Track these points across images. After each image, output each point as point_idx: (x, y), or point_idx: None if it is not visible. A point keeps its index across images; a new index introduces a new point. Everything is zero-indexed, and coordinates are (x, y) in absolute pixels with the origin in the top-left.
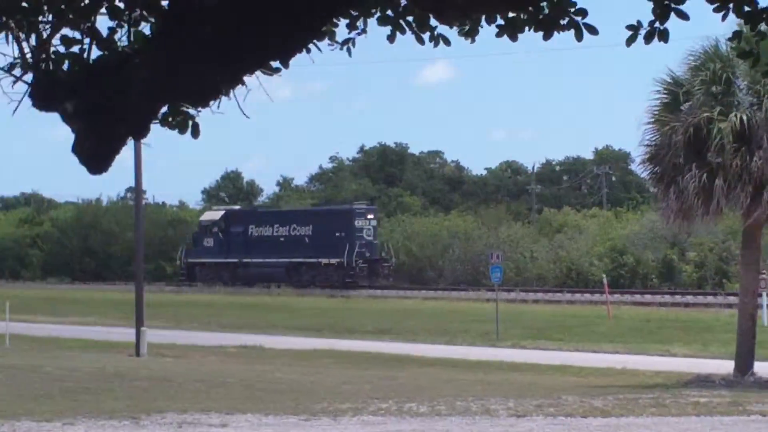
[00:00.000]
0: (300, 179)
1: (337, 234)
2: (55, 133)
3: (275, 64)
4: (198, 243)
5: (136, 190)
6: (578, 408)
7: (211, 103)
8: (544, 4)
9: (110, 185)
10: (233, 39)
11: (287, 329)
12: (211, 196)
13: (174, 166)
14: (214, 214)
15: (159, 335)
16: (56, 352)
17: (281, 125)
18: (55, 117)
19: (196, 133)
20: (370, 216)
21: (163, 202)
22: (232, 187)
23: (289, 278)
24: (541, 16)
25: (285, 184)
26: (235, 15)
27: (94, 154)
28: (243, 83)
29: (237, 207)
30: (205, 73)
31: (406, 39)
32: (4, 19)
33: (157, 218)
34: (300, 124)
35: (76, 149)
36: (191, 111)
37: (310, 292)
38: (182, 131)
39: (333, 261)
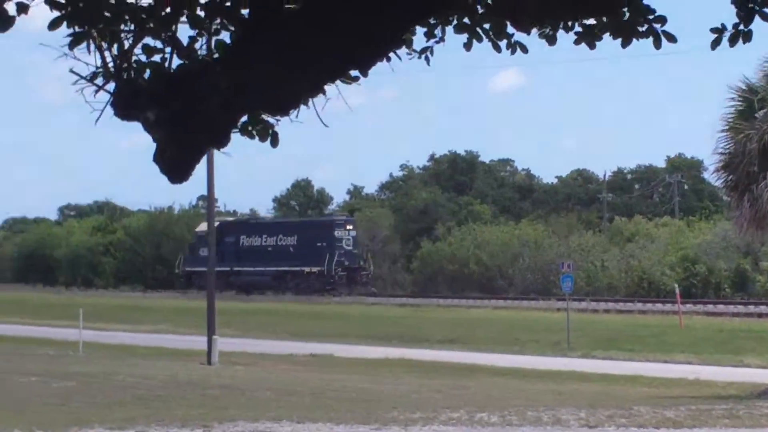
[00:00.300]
0: (370, 187)
1: (318, 244)
2: (127, 141)
3: (354, 72)
4: (194, 252)
5: (209, 199)
6: (650, 419)
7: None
8: (624, 10)
9: (182, 193)
10: (314, 48)
11: (357, 338)
12: (281, 205)
13: (245, 175)
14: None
15: (230, 343)
16: (129, 359)
17: (352, 133)
18: (127, 125)
19: (275, 142)
20: (349, 227)
21: (234, 211)
22: (302, 196)
23: (276, 286)
24: (620, 23)
25: (355, 192)
26: (317, 24)
27: (175, 163)
28: (323, 92)
29: (230, 219)
30: (286, 82)
31: (478, 46)
32: (86, 28)
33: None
34: (371, 131)
35: (158, 158)
36: (271, 120)
37: (378, 302)
38: (262, 140)
39: (314, 269)
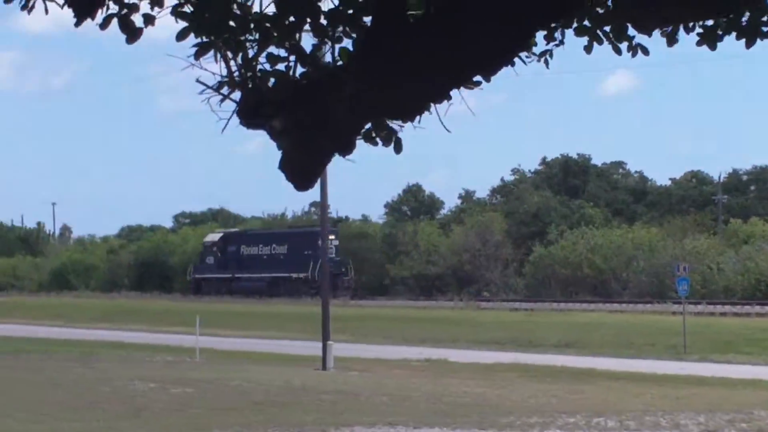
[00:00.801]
0: (481, 192)
1: (305, 252)
2: (241, 148)
3: (476, 77)
4: (202, 261)
5: (321, 205)
6: None
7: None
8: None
9: (294, 200)
10: (441, 54)
11: (471, 342)
12: (393, 210)
13: (356, 180)
14: (215, 236)
15: (344, 349)
16: (244, 365)
17: (462, 137)
18: (240, 132)
19: (398, 148)
20: (332, 237)
21: (346, 216)
22: (413, 201)
23: (270, 291)
24: (743, 23)
25: (466, 197)
26: (443, 30)
27: (301, 171)
28: (449, 98)
29: (234, 230)
30: (411, 88)
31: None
32: (212, 38)
33: (341, 232)
34: (481, 136)
35: (283, 166)
36: (395, 126)
37: (492, 306)
38: (386, 145)
39: (301, 275)
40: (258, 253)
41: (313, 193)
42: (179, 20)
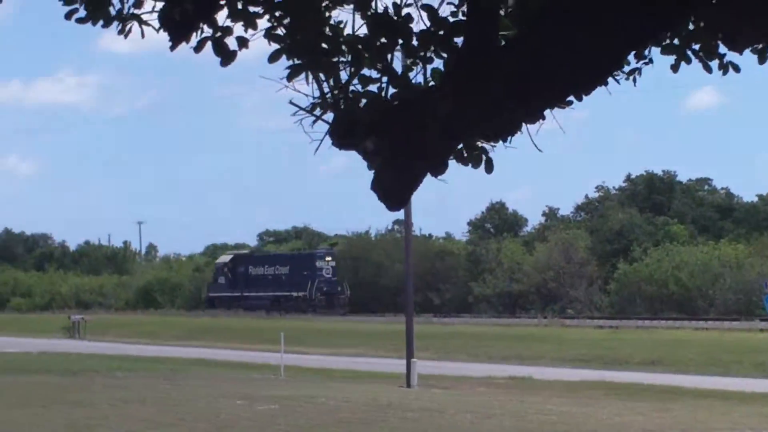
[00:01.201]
0: (565, 209)
1: (304, 273)
2: (324, 167)
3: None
4: (215, 281)
5: (405, 223)
6: None
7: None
8: None
9: (378, 218)
10: (535, 75)
11: (555, 360)
12: (476, 227)
13: (440, 198)
14: (226, 258)
15: (428, 366)
16: (329, 382)
17: (547, 154)
18: (323, 151)
19: (490, 168)
20: (328, 258)
21: (429, 234)
22: (497, 218)
23: (274, 308)
24: None
25: (550, 213)
26: (537, 51)
27: (393, 191)
28: (543, 117)
29: (243, 252)
30: (504, 108)
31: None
32: (305, 60)
33: (425, 250)
34: (565, 152)
35: (375, 186)
36: (486, 145)
37: (576, 324)
38: (475, 166)
39: (300, 294)
40: (263, 273)
41: (397, 211)
42: (272, 42)
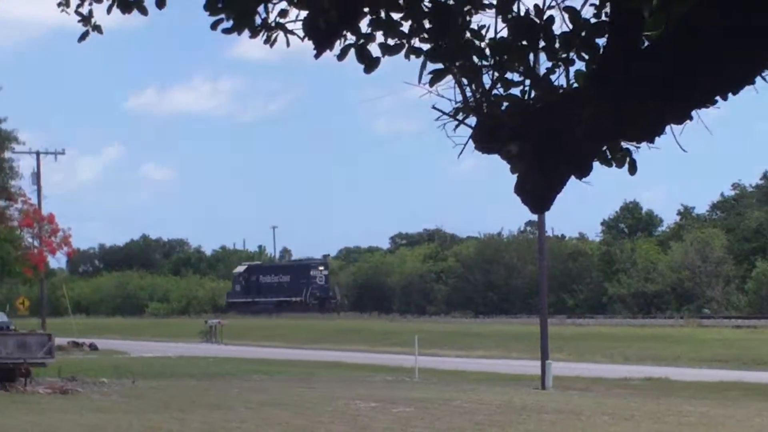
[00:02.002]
0: (701, 208)
1: (301, 281)
2: (456, 169)
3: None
4: (233, 288)
5: (539, 224)
6: None
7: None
8: None
9: (510, 219)
10: (683, 74)
11: (692, 361)
12: (610, 228)
13: (572, 198)
14: (241, 268)
15: (563, 368)
16: (463, 385)
17: (681, 153)
18: (453, 153)
19: (633, 169)
20: (321, 268)
21: (562, 235)
22: (631, 218)
23: (277, 311)
24: None
25: (685, 213)
26: (686, 51)
27: (538, 194)
28: (690, 118)
29: (256, 263)
30: (651, 109)
31: None
32: (447, 65)
33: (558, 251)
34: (700, 151)
35: (519, 189)
36: (630, 146)
37: (713, 324)
38: (619, 167)
39: (297, 299)
40: (270, 281)
41: (529, 211)
42: (414, 47)
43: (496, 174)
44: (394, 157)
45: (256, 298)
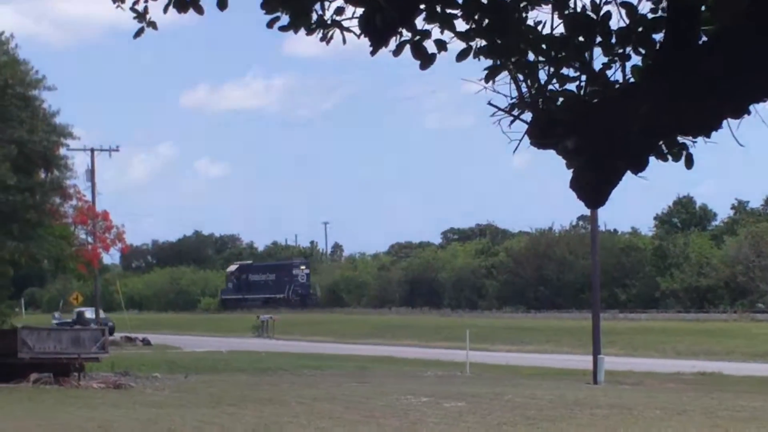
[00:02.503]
0: (755, 202)
1: (284, 279)
2: (508, 164)
3: None
4: (226, 286)
5: (592, 219)
6: None
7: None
8: None
9: (562, 213)
10: (738, 72)
11: (746, 355)
12: (663, 222)
13: (625, 192)
14: (233, 267)
15: (615, 362)
16: (515, 379)
17: (735, 146)
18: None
19: (690, 163)
20: (302, 267)
21: (614, 229)
22: (684, 213)
23: (264, 307)
24: None
25: (739, 207)
26: (744, 46)
27: (593, 189)
28: (748, 112)
29: (247, 262)
30: (709, 104)
31: None
32: (502, 60)
33: (610, 246)
34: (755, 143)
35: (575, 184)
36: (686, 141)
37: (767, 318)
38: (675, 160)
39: (280, 296)
40: (258, 279)
41: (581, 205)
42: (468, 43)
43: (548, 169)
44: (446, 153)
45: (246, 295)
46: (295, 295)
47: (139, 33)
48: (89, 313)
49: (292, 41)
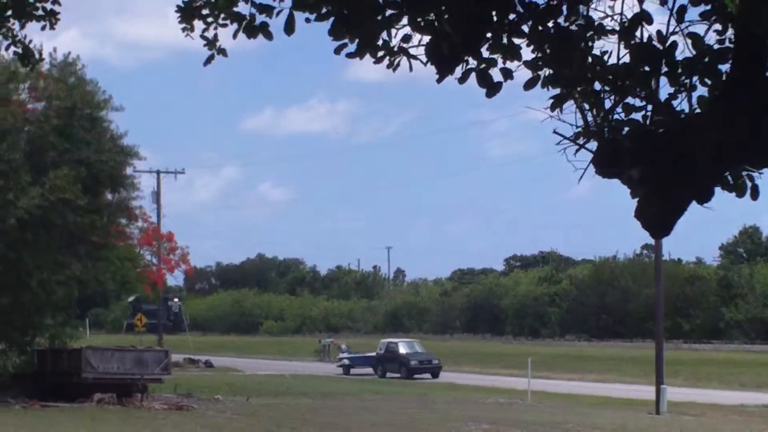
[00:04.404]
0: None
1: (162, 309)
2: (572, 192)
3: None
4: (129, 314)
5: (656, 248)
6: None
7: None
8: None
9: (625, 242)
10: None
11: None
12: (728, 252)
13: (690, 222)
14: (131, 298)
15: (678, 393)
16: (576, 408)
17: None
18: (567, 177)
19: (755, 194)
20: (176, 300)
21: (679, 259)
22: (750, 243)
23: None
24: None
25: None
26: None
27: (658, 219)
28: None
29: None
30: None
31: None
32: (568, 89)
33: (674, 275)
34: None
35: (639, 214)
36: (753, 172)
37: None
38: (740, 195)
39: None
40: (147, 309)
41: (645, 235)
42: (535, 72)
43: (612, 197)
44: (510, 179)
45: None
46: (169, 321)
47: (209, 60)
48: (343, 346)
49: (356, 66)
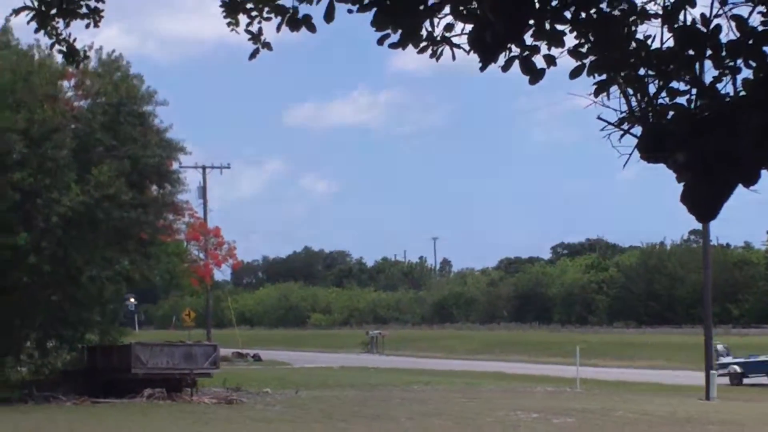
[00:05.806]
0: None
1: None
2: (617, 178)
3: None
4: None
5: (704, 233)
6: None
7: None
8: None
9: (673, 228)
10: None
11: None
12: None
13: (737, 206)
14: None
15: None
16: (626, 395)
17: None
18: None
19: None
20: (132, 299)
21: (727, 244)
22: None
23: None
24: None
25: None
26: None
27: (704, 203)
28: None
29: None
30: None
31: None
32: (612, 75)
33: (722, 260)
34: None
35: (685, 198)
36: None
37: None
38: None
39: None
40: None
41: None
42: (577, 60)
43: (658, 182)
44: (555, 167)
45: None
46: (125, 317)
47: (254, 54)
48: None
49: (397, 57)
